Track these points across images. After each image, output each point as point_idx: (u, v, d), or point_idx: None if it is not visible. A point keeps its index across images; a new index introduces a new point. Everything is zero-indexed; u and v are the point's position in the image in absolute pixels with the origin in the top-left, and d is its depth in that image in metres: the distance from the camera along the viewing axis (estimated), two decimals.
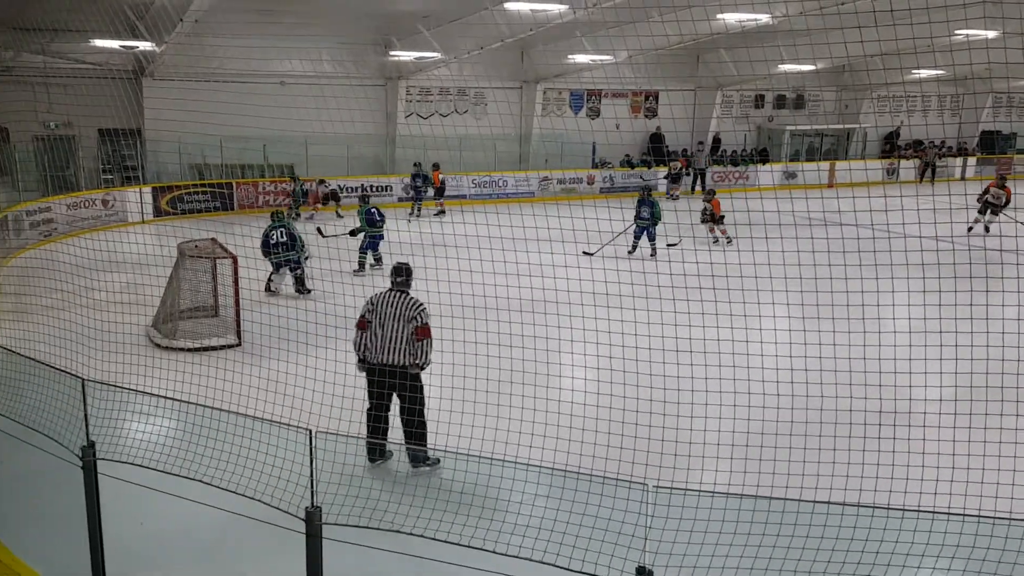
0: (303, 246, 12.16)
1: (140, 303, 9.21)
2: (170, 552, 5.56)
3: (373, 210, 14.12)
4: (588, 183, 23.66)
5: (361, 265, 13.62)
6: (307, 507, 3.91)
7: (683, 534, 3.82)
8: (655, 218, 14.53)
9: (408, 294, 6.69)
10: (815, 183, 24.06)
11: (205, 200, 19.41)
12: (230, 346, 9.55)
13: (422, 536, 4.04)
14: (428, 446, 6.43)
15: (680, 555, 3.82)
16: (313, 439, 3.90)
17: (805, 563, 3.73)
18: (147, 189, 18.84)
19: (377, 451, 6.45)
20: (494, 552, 3.89)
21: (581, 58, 20.96)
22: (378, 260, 13.85)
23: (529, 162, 23.69)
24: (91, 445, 4.54)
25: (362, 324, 6.52)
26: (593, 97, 24.92)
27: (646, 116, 25.72)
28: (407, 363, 6.44)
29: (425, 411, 6.45)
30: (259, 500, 4.12)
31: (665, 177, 23.61)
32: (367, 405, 6.53)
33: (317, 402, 6.23)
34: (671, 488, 3.78)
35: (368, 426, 6.48)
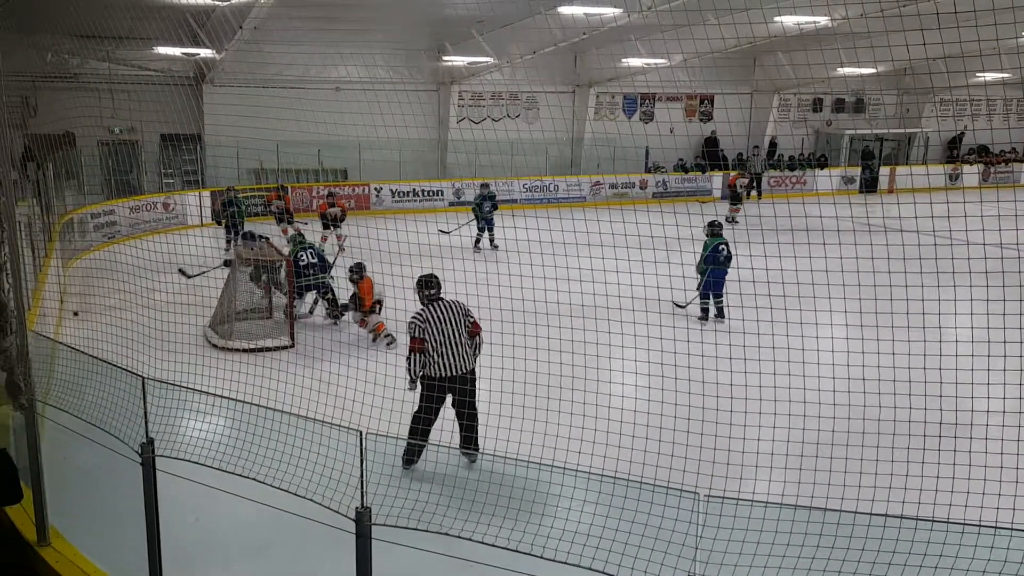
0: (331, 267, 11.31)
1: (198, 304, 9.41)
2: (224, 547, 5.67)
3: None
4: (640, 188, 23.51)
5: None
6: (357, 507, 3.95)
7: (734, 544, 3.76)
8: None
9: (445, 299, 6.79)
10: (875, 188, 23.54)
11: (261, 204, 19.78)
12: (284, 347, 9.71)
13: (470, 539, 4.04)
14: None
15: (731, 566, 3.76)
16: (363, 440, 3.93)
17: None
18: (206, 193, 19.27)
19: (417, 454, 6.43)
20: (541, 557, 3.88)
21: (635, 62, 20.85)
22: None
23: (581, 167, 23.65)
24: (150, 442, 4.65)
25: (419, 346, 6.47)
26: (647, 101, 24.76)
27: (701, 120, 25.46)
28: (473, 365, 6.61)
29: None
30: (310, 499, 4.17)
31: (731, 199, 20.79)
32: (419, 415, 6.50)
33: (367, 404, 6.29)
34: (723, 497, 3.72)
35: (418, 433, 6.46)
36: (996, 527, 3.60)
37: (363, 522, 3.91)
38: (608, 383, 7.95)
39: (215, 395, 5.21)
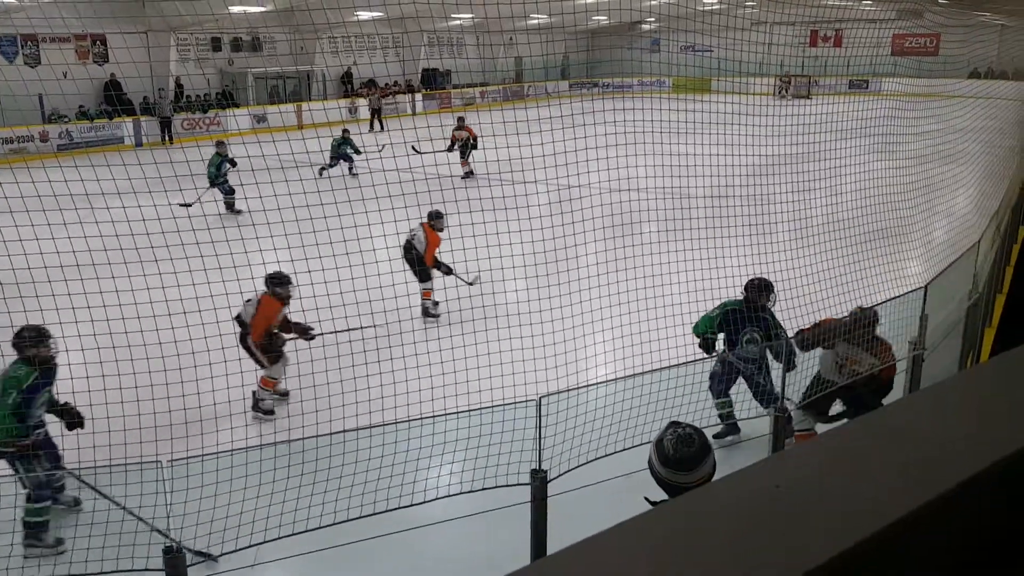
0: None
1: None
2: None
3: None
4: (42, 140, 20.94)
5: None
6: None
7: (208, 500, 3.87)
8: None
9: None
10: (283, 126, 24.51)
11: None
12: None
13: None
14: None
15: (207, 522, 3.90)
16: None
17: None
18: None
19: None
20: None
21: None
22: None
23: None
24: None
25: None
26: (29, 43, 21.90)
27: (96, 62, 23.43)
28: None
29: None
30: None
31: (449, 149, 17.08)
32: None
33: None
34: (187, 458, 3.82)
35: None
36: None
37: None
38: None
39: None
